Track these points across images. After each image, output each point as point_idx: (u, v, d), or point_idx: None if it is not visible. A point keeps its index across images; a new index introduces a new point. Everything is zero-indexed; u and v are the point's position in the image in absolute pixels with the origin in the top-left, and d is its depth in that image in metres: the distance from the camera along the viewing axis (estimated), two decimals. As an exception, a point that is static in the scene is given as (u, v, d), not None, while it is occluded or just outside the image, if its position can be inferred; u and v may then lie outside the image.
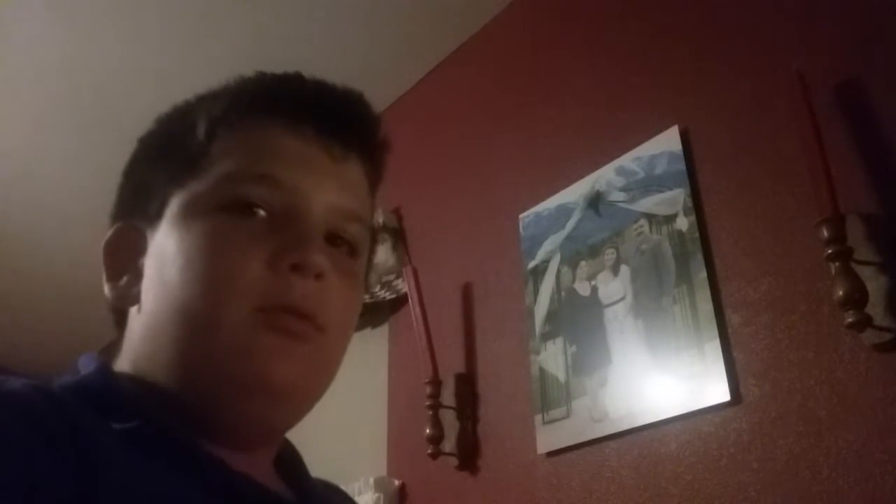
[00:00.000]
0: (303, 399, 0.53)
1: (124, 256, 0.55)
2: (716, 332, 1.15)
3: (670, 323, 1.23)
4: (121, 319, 0.56)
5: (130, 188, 0.58)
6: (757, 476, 1.06)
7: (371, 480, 1.61)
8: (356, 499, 1.69)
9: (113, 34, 1.99)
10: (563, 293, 1.45)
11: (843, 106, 1.13)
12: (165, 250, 0.52)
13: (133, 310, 0.54)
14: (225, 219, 0.51)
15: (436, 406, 1.55)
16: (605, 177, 1.44)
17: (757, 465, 1.07)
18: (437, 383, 1.57)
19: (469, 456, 1.52)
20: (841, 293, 0.98)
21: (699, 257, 1.22)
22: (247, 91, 0.57)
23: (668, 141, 1.34)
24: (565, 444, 1.33)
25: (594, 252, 1.41)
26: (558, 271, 1.47)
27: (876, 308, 0.97)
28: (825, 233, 1.01)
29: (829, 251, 1.01)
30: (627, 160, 1.41)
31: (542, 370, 1.42)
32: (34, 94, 2.18)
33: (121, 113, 2.24)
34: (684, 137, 1.33)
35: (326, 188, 0.54)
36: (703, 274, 1.21)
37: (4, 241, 2.77)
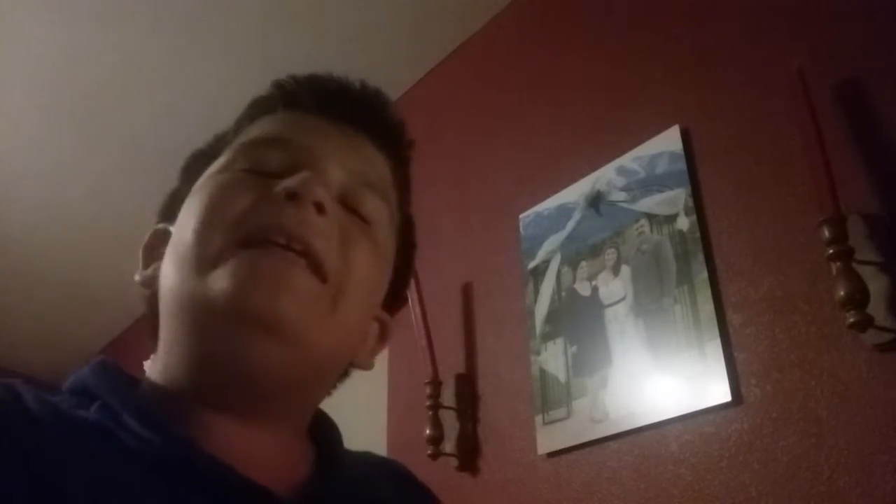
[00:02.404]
0: (302, 337, 0.47)
1: (153, 251, 0.55)
2: (717, 333, 1.15)
3: (671, 323, 1.22)
4: (153, 312, 0.55)
5: (168, 199, 0.59)
6: (758, 476, 1.06)
7: (371, 481, 1.61)
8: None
9: (113, 34, 1.99)
10: (563, 293, 1.44)
11: (844, 106, 1.13)
12: (177, 220, 0.52)
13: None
14: (233, 174, 0.51)
15: (436, 406, 1.55)
16: (605, 176, 1.44)
17: (758, 466, 1.07)
18: (437, 384, 1.57)
19: (469, 456, 1.51)
20: (842, 293, 0.97)
21: (700, 257, 1.22)
22: (270, 90, 0.58)
23: (669, 140, 1.34)
24: (566, 444, 1.32)
25: (595, 252, 1.41)
26: (559, 271, 1.47)
27: (877, 308, 0.97)
28: (826, 233, 1.01)
29: (831, 251, 1.00)
30: (628, 160, 1.41)
31: (542, 370, 1.42)
32: (34, 95, 2.18)
33: (121, 113, 2.24)
34: (685, 137, 1.32)
35: (340, 152, 0.53)
36: (704, 274, 1.20)
37: (4, 242, 2.77)
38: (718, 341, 1.15)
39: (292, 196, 0.47)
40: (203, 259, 0.47)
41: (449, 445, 1.53)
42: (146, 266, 0.55)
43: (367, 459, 0.63)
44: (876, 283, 0.98)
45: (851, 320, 0.96)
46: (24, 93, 2.17)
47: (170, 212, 0.56)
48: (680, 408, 1.17)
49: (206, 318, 0.47)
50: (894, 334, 0.96)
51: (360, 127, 0.56)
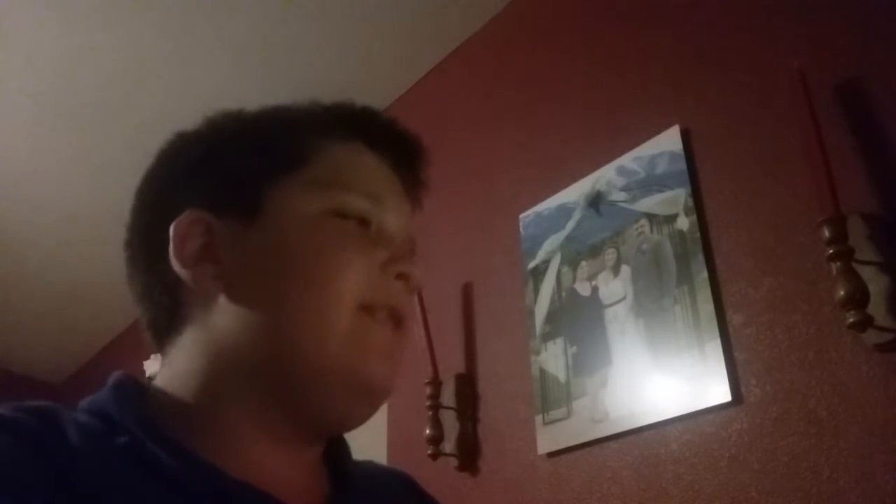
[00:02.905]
0: (388, 394, 0.56)
1: (203, 244, 0.54)
2: (717, 333, 1.15)
3: (671, 323, 1.22)
4: (178, 308, 0.55)
5: (209, 175, 0.57)
6: (758, 476, 1.06)
7: (371, 481, 1.61)
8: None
9: (113, 34, 1.99)
10: (563, 293, 1.44)
11: (844, 106, 1.13)
12: (278, 246, 0.54)
13: (215, 300, 0.54)
14: (340, 225, 0.55)
15: (436, 406, 1.55)
16: (605, 176, 1.44)
17: (758, 466, 1.07)
18: (437, 384, 1.57)
19: (469, 456, 1.51)
20: (842, 293, 0.97)
21: (700, 257, 1.22)
22: (344, 114, 0.61)
23: (669, 140, 1.34)
24: (566, 444, 1.32)
25: (595, 252, 1.41)
26: (559, 271, 1.47)
27: (877, 308, 0.97)
28: (826, 233, 1.01)
29: (831, 251, 1.00)
30: (628, 160, 1.41)
31: (542, 370, 1.42)
32: (34, 95, 2.18)
33: (120, 113, 2.24)
34: (685, 137, 1.32)
35: (405, 213, 0.61)
36: (704, 274, 1.20)
37: (4, 241, 2.77)
38: (718, 341, 1.15)
39: (402, 277, 0.57)
40: (330, 318, 0.52)
41: (449, 445, 1.53)
42: (194, 261, 0.54)
43: (375, 471, 0.66)
44: (876, 283, 0.98)
45: (851, 320, 0.96)
46: (24, 93, 2.17)
47: (220, 198, 0.56)
48: (680, 408, 1.17)
49: (322, 372, 0.52)
50: (894, 334, 0.96)
51: (411, 183, 0.63)
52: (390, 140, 0.61)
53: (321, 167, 0.57)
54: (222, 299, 0.53)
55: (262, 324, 0.52)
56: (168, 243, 0.54)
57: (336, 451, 0.59)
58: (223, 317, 0.53)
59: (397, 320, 0.56)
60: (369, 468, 0.65)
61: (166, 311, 0.56)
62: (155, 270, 0.55)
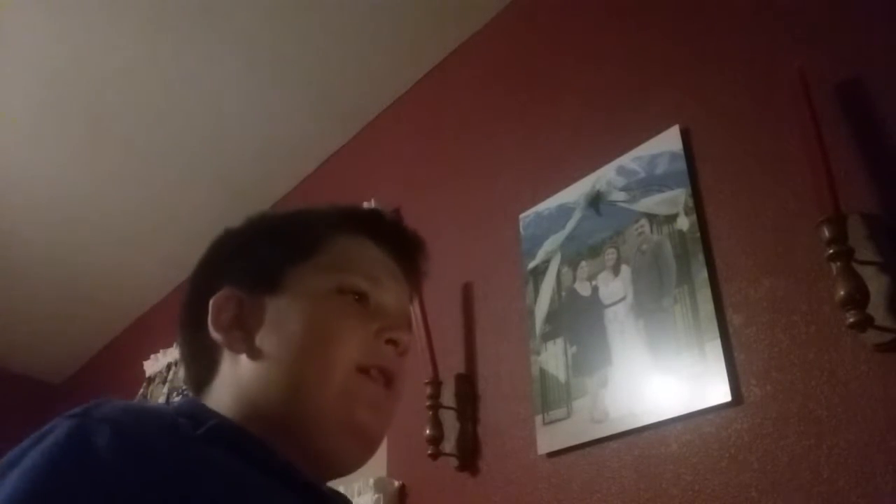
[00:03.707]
0: (379, 442, 0.67)
1: (232, 314, 0.68)
2: (717, 333, 1.15)
3: (671, 323, 1.22)
4: (213, 364, 0.68)
5: (243, 261, 0.72)
6: (758, 477, 1.06)
7: (371, 481, 1.61)
8: (356, 500, 1.69)
9: (113, 35, 1.99)
10: (563, 293, 1.44)
11: (844, 106, 1.13)
12: (292, 316, 0.66)
13: (229, 357, 0.67)
14: (341, 300, 0.68)
15: (436, 406, 1.55)
16: (605, 176, 1.44)
17: (758, 466, 1.07)
18: (437, 384, 1.57)
19: (469, 456, 1.51)
20: (842, 293, 0.97)
21: (700, 257, 1.22)
22: (353, 214, 0.77)
23: (669, 140, 1.34)
24: (566, 444, 1.32)
25: (595, 252, 1.41)
26: (559, 271, 1.47)
27: (877, 308, 0.97)
28: (826, 233, 1.01)
29: (831, 251, 1.00)
30: (628, 160, 1.41)
31: (542, 370, 1.42)
32: (34, 95, 2.18)
33: (121, 113, 2.24)
34: (685, 137, 1.32)
35: (402, 296, 0.74)
36: (704, 274, 1.20)
37: (4, 242, 2.77)
38: (718, 341, 1.15)
39: (391, 342, 0.68)
40: (331, 376, 0.64)
41: (449, 445, 1.53)
42: (227, 328, 0.67)
43: None
44: (876, 283, 0.98)
45: (851, 320, 0.96)
46: (25, 93, 2.17)
47: (248, 277, 0.69)
48: (680, 408, 1.17)
49: (323, 420, 0.63)
50: (894, 334, 0.96)
51: (409, 272, 0.76)
52: (392, 236, 0.75)
53: (330, 255, 0.70)
54: (244, 358, 0.66)
55: (273, 378, 0.64)
56: (206, 316, 0.68)
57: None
58: (245, 372, 0.66)
59: (388, 379, 0.67)
60: None
61: (205, 367, 0.69)
62: (198, 335, 0.69)
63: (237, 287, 0.69)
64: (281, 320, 0.66)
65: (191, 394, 0.70)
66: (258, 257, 0.71)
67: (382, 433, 0.68)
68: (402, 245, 0.76)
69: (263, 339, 0.66)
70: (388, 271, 0.73)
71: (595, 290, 1.38)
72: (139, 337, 3.14)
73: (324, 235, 0.71)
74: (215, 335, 0.67)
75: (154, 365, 2.74)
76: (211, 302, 0.68)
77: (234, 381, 0.66)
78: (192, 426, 0.56)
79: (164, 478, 0.48)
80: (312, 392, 0.63)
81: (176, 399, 2.43)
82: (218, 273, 0.72)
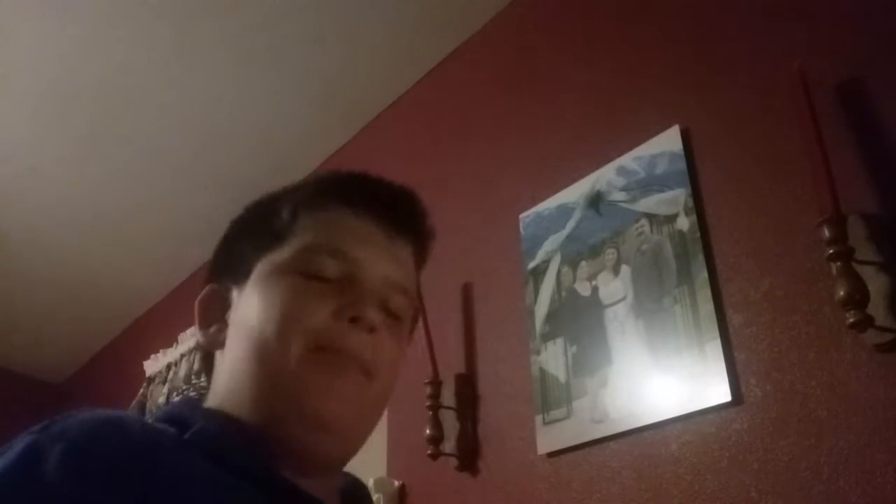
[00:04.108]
0: (350, 435, 0.62)
1: (215, 310, 0.67)
2: (717, 333, 1.15)
3: (671, 323, 1.22)
4: (209, 365, 0.68)
5: (223, 256, 0.71)
6: (758, 477, 1.06)
7: (371, 481, 1.61)
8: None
9: (113, 35, 1.99)
10: (563, 293, 1.44)
11: (844, 106, 1.13)
12: (250, 303, 0.64)
13: (219, 353, 0.66)
14: (300, 280, 0.63)
15: (436, 406, 1.55)
16: (605, 176, 1.44)
17: (758, 466, 1.07)
18: (437, 384, 1.57)
19: (469, 456, 1.51)
20: (842, 293, 0.97)
21: (700, 257, 1.22)
22: (322, 183, 0.71)
23: (669, 140, 1.34)
24: (566, 444, 1.32)
25: (595, 252, 1.41)
26: (559, 271, 1.47)
27: (877, 308, 0.97)
28: (826, 233, 1.01)
29: (831, 251, 1.00)
30: (628, 160, 1.41)
31: (542, 370, 1.42)
32: (35, 95, 2.18)
33: (121, 114, 2.24)
34: (685, 137, 1.32)
35: (381, 262, 0.67)
36: (704, 274, 1.20)
37: (4, 242, 2.77)
38: (718, 341, 1.15)
39: (355, 321, 0.62)
40: (281, 361, 0.60)
41: (449, 445, 1.53)
42: (206, 324, 0.67)
43: None
44: (876, 283, 0.98)
45: (851, 320, 0.96)
46: (25, 93, 2.17)
47: (227, 271, 0.69)
48: (680, 408, 1.17)
49: (283, 412, 0.59)
50: (894, 334, 0.96)
51: (399, 229, 0.69)
52: (368, 200, 0.69)
53: (295, 238, 0.66)
54: (221, 353, 0.66)
55: (240, 368, 0.63)
56: None
57: (352, 491, 0.68)
58: (223, 367, 0.65)
59: (364, 370, 0.62)
60: None
61: (205, 363, 0.70)
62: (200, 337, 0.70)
63: (218, 283, 0.69)
64: (242, 310, 0.65)
65: (192, 392, 0.72)
66: (234, 252, 0.70)
67: (356, 424, 0.63)
68: (385, 208, 0.69)
69: (232, 329, 0.66)
70: (362, 242, 0.66)
71: (595, 290, 1.38)
72: (139, 337, 3.14)
73: (289, 220, 0.68)
74: (197, 333, 0.68)
75: (154, 365, 2.74)
76: (196, 301, 0.69)
77: (218, 378, 0.66)
78: (179, 431, 0.56)
79: (113, 495, 0.46)
80: (270, 380, 0.60)
81: (175, 399, 2.42)
82: (210, 270, 0.72)
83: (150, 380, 2.74)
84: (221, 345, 0.66)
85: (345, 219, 0.67)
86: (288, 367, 0.60)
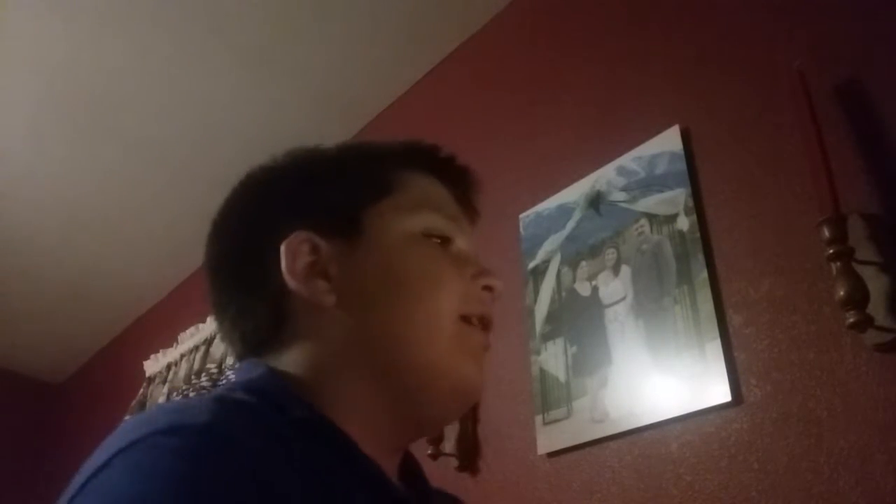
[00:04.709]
0: (479, 395, 0.63)
1: (311, 261, 0.60)
2: (717, 333, 1.15)
3: (671, 323, 1.22)
4: (283, 319, 0.61)
5: (313, 204, 0.64)
6: (758, 477, 1.06)
7: (371, 481, 1.61)
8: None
9: (114, 35, 1.99)
10: (563, 293, 1.44)
11: (844, 106, 1.13)
12: (384, 262, 0.61)
13: (328, 309, 0.59)
14: (432, 245, 0.63)
15: (436, 406, 1.55)
16: (605, 176, 1.44)
17: (758, 466, 1.07)
18: (437, 383, 1.57)
19: (469, 456, 1.51)
20: (842, 293, 0.97)
21: (700, 257, 1.22)
22: (418, 149, 0.70)
23: (669, 140, 1.34)
24: (566, 444, 1.32)
25: (595, 252, 1.41)
26: (559, 271, 1.47)
27: (877, 308, 0.97)
28: (826, 233, 1.01)
29: (831, 251, 1.00)
30: (628, 160, 1.41)
31: (542, 370, 1.42)
32: (35, 96, 2.18)
33: (122, 115, 2.24)
34: (685, 137, 1.32)
35: (469, 235, 0.68)
36: (704, 274, 1.20)
37: (4, 242, 2.77)
38: (718, 341, 1.15)
39: (487, 288, 0.64)
40: (439, 328, 0.60)
41: (449, 445, 1.53)
42: (308, 277, 0.60)
43: (437, 488, 0.72)
44: (876, 283, 0.98)
45: (851, 320, 0.96)
46: (25, 93, 2.17)
47: (323, 221, 0.62)
48: (680, 408, 1.17)
49: (429, 376, 0.59)
50: (894, 334, 0.96)
51: (469, 210, 0.71)
52: (454, 173, 0.70)
53: (408, 194, 0.64)
54: (334, 311, 0.59)
55: (374, 333, 0.59)
56: (271, 264, 0.60)
57: (409, 466, 0.66)
58: (336, 327, 0.59)
59: (485, 325, 0.64)
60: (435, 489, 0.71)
61: (269, 324, 0.61)
62: (256, 289, 0.61)
63: (308, 230, 0.61)
64: (370, 268, 0.60)
65: (244, 355, 0.62)
66: (328, 196, 0.64)
67: (483, 383, 0.63)
68: (463, 183, 0.71)
69: (355, 289, 0.60)
70: (460, 211, 0.68)
71: (595, 290, 1.38)
72: (139, 337, 3.14)
73: (397, 173, 0.66)
74: (294, 285, 0.59)
75: (154, 365, 2.74)
76: (283, 248, 0.60)
77: (320, 337, 0.59)
78: (271, 410, 0.50)
79: (262, 482, 0.43)
80: (422, 343, 0.59)
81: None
82: (274, 215, 0.63)
83: (150, 380, 2.74)
84: (328, 303, 0.59)
85: (438, 185, 0.68)
86: (442, 333, 0.60)
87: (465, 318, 0.61)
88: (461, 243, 0.65)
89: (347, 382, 0.58)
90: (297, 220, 0.62)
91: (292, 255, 0.60)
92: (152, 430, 0.43)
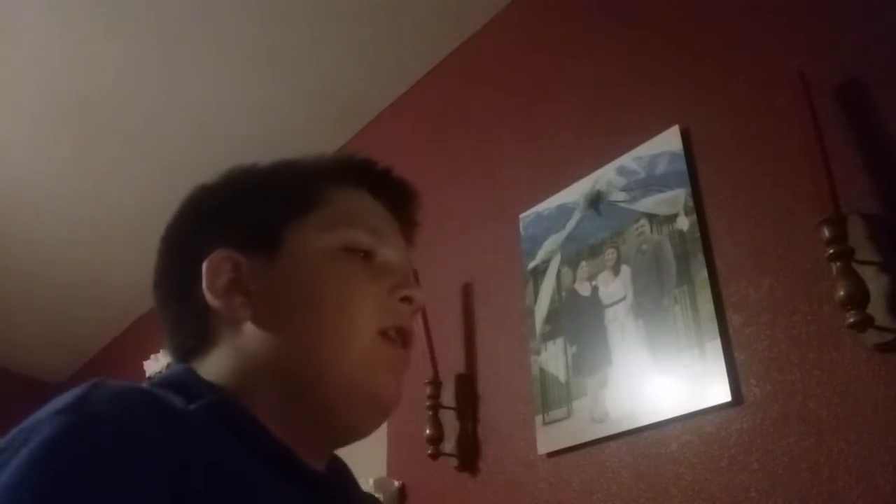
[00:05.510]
0: (394, 409, 0.64)
1: (232, 277, 0.62)
2: (717, 333, 1.15)
3: (671, 323, 1.22)
4: (206, 331, 0.63)
5: (234, 218, 0.66)
6: (758, 476, 1.06)
7: (371, 481, 1.61)
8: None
9: (113, 36, 1.99)
10: (563, 293, 1.44)
11: (844, 106, 1.13)
12: (301, 278, 0.62)
13: (245, 324, 0.62)
14: (349, 258, 0.63)
15: (436, 406, 1.55)
16: (605, 176, 1.44)
17: (758, 466, 1.07)
18: (437, 384, 1.57)
19: (469, 456, 1.51)
20: (842, 293, 0.97)
21: (700, 257, 1.22)
22: (347, 163, 0.71)
23: (669, 140, 1.34)
24: (566, 444, 1.32)
25: (595, 252, 1.41)
26: (559, 271, 1.47)
27: (877, 308, 0.97)
28: (826, 233, 1.01)
29: (831, 251, 1.00)
30: (628, 160, 1.41)
31: (542, 370, 1.42)
32: (35, 96, 2.18)
33: (120, 114, 2.24)
34: (685, 137, 1.32)
35: (401, 246, 0.69)
36: (704, 274, 1.20)
37: (4, 242, 2.77)
38: (718, 341, 1.15)
39: (406, 300, 0.64)
40: (351, 344, 0.60)
41: (449, 445, 1.53)
42: (226, 294, 0.62)
43: (367, 493, 0.75)
44: (876, 283, 0.98)
45: (851, 320, 0.96)
46: (25, 93, 2.17)
47: (247, 237, 0.64)
48: (680, 408, 1.17)
49: (342, 390, 0.60)
50: (894, 334, 0.96)
51: (406, 218, 0.72)
52: (387, 186, 0.71)
53: (331, 209, 0.65)
54: (249, 325, 0.61)
55: (286, 346, 0.60)
56: (198, 279, 0.62)
57: (336, 470, 0.67)
58: (251, 340, 0.61)
59: (404, 339, 0.64)
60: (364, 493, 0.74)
61: (195, 336, 0.63)
62: (186, 303, 0.64)
63: (231, 247, 0.63)
64: (289, 283, 0.62)
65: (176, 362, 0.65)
66: (251, 213, 0.65)
67: (398, 398, 0.64)
68: (397, 195, 0.72)
69: (270, 304, 0.61)
70: (389, 224, 0.69)
71: (595, 290, 1.38)
72: (139, 337, 3.14)
73: (322, 188, 0.67)
74: (213, 301, 0.62)
75: (154, 365, 2.74)
76: (205, 265, 0.62)
77: (236, 349, 0.61)
78: (184, 400, 0.53)
79: (165, 470, 0.45)
80: (333, 358, 0.60)
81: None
82: (203, 233, 0.66)
83: (150, 380, 2.74)
84: (244, 318, 0.61)
85: (371, 202, 0.69)
86: (356, 347, 0.60)
87: (383, 333, 0.62)
88: (388, 255, 0.66)
89: (264, 393, 0.59)
90: (221, 237, 0.64)
91: (213, 273, 0.62)
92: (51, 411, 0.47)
